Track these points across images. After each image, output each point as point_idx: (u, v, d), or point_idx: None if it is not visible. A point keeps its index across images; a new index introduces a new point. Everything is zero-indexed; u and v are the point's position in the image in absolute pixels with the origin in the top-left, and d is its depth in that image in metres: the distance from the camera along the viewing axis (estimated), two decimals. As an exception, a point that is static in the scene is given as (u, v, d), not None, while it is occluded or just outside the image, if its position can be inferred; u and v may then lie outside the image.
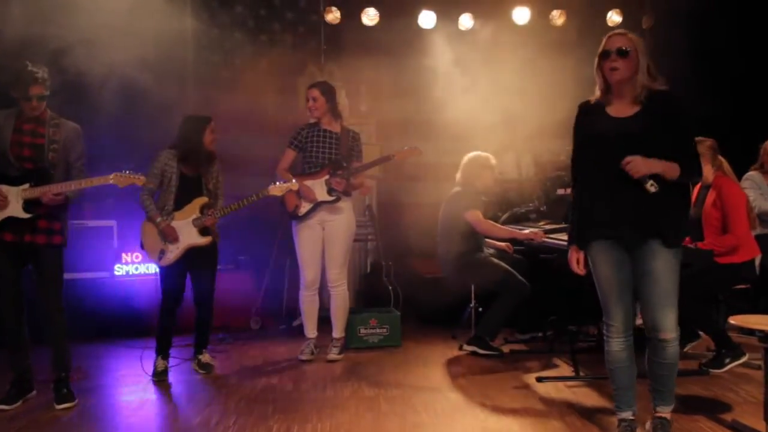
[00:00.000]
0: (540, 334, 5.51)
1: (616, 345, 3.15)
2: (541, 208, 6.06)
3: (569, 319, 5.06)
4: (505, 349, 5.23)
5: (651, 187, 2.93)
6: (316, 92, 4.93)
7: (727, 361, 4.41)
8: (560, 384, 4.31)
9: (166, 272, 4.62)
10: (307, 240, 4.97)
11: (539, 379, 4.39)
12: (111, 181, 3.95)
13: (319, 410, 3.87)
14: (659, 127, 2.99)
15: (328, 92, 4.95)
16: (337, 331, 5.11)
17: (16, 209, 3.88)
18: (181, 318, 4.73)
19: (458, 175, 5.41)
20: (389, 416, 3.77)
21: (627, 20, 7.26)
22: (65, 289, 4.13)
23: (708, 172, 4.60)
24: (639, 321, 3.60)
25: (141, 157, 4.69)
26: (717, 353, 4.48)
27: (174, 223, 4.57)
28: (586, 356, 4.70)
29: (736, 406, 3.82)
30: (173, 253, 4.57)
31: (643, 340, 3.15)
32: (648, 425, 3.27)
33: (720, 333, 4.48)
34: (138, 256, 6.02)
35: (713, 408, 3.78)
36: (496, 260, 5.27)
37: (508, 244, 5.51)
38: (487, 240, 5.43)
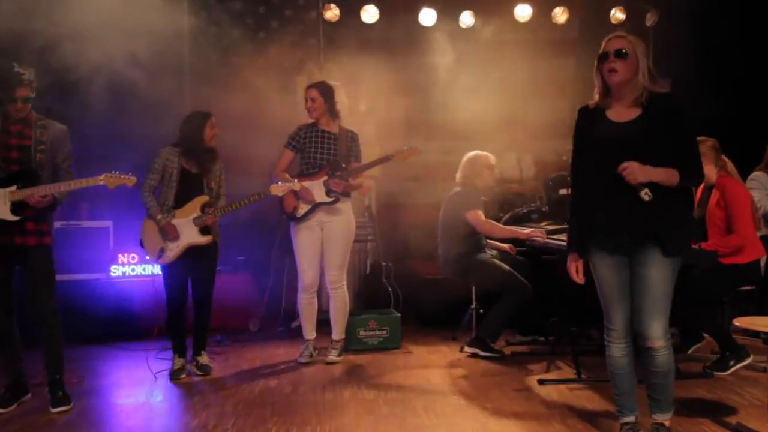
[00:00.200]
0: (541, 337, 5.46)
1: (617, 350, 3.13)
2: (543, 209, 6.03)
3: (571, 321, 5.02)
4: (507, 351, 5.20)
5: (645, 195, 2.90)
6: (314, 92, 4.89)
7: (732, 363, 4.38)
8: (562, 386, 4.28)
9: (168, 271, 4.61)
10: (305, 241, 4.93)
11: (541, 382, 4.36)
12: (101, 182, 3.90)
13: (318, 413, 3.83)
14: (660, 131, 2.96)
15: (327, 93, 4.92)
16: (337, 333, 5.07)
17: (3, 211, 3.83)
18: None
19: (458, 175, 5.37)
20: (389, 419, 3.74)
21: (630, 18, 7.21)
22: (61, 290, 4.10)
23: (711, 172, 4.56)
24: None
25: (137, 156, 4.65)
26: (721, 356, 4.45)
27: (174, 221, 4.54)
28: (588, 359, 4.66)
29: (741, 409, 3.78)
30: (173, 251, 4.54)
31: None
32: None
33: (724, 335, 4.44)
34: (134, 257, 5.98)
35: (717, 411, 3.75)
36: (497, 261, 5.24)
37: (510, 245, 5.47)
38: (489, 241, 5.39)
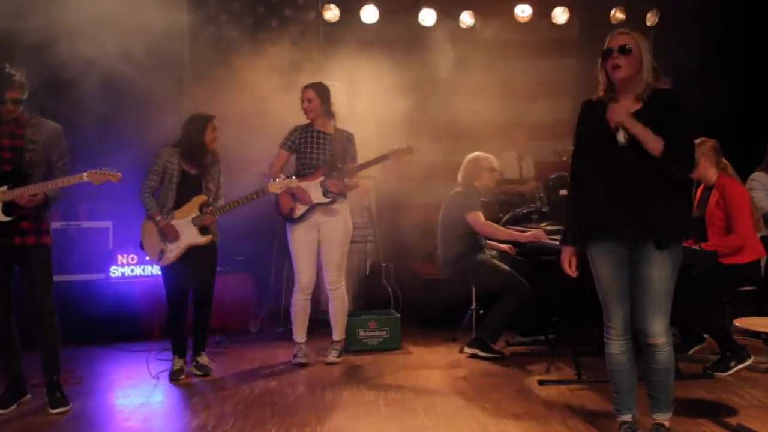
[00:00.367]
0: (542, 337, 5.45)
1: (616, 348, 3.13)
2: (543, 209, 6.02)
3: (571, 322, 5.01)
4: (507, 351, 5.20)
5: (622, 137, 2.94)
6: (311, 93, 4.88)
7: (732, 364, 4.37)
8: (562, 387, 4.27)
9: (168, 272, 4.61)
10: (302, 242, 4.91)
11: (541, 382, 4.35)
12: (86, 179, 3.86)
13: (317, 414, 3.83)
14: (660, 124, 2.96)
15: (323, 93, 4.90)
16: (337, 334, 5.06)
17: None
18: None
19: (459, 176, 5.37)
20: (389, 419, 3.73)
21: (631, 17, 7.21)
22: (60, 290, 4.12)
23: (711, 172, 4.56)
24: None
25: (134, 156, 4.63)
26: (722, 356, 4.44)
27: (173, 222, 4.54)
28: (588, 359, 4.65)
29: (741, 409, 3.78)
30: (173, 252, 4.54)
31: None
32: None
33: (725, 336, 4.44)
34: (134, 257, 5.97)
35: (718, 411, 3.74)
36: (497, 262, 5.24)
37: (510, 246, 5.47)
38: (488, 242, 5.38)
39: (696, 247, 4.41)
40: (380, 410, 3.89)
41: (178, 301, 4.63)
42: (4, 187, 3.83)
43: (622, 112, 2.96)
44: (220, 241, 4.78)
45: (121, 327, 5.76)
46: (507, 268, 5.15)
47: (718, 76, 5.99)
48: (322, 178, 4.84)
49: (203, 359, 4.77)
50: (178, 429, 3.73)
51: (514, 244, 5.40)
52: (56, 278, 4.07)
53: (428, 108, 6.58)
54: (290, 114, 4.99)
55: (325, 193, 4.85)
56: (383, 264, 6.37)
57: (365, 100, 6.13)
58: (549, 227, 5.27)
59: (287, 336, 5.87)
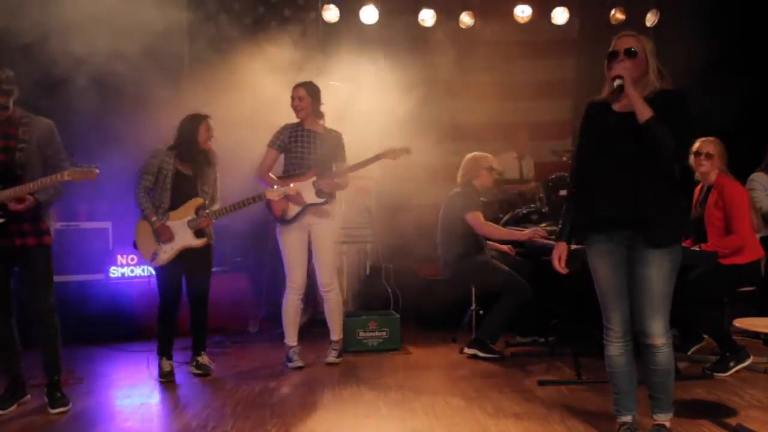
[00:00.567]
0: (541, 338, 5.45)
1: (615, 349, 3.13)
2: (543, 210, 6.02)
3: (571, 322, 5.01)
4: (506, 352, 5.19)
5: (617, 81, 2.94)
6: (302, 92, 4.86)
7: (732, 364, 4.37)
8: (562, 387, 4.27)
9: (161, 272, 4.59)
10: (293, 243, 4.87)
11: (541, 383, 4.35)
12: (66, 178, 3.81)
13: (318, 414, 3.83)
14: (661, 118, 2.94)
15: (314, 92, 4.89)
16: (335, 334, 5.06)
17: None
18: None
19: (458, 175, 5.37)
20: (389, 420, 3.73)
21: (631, 18, 7.21)
22: (59, 291, 4.11)
23: (714, 172, 4.55)
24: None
25: (134, 156, 4.63)
26: (721, 356, 4.44)
27: (169, 223, 4.52)
28: (588, 360, 4.65)
29: (741, 410, 3.77)
30: (167, 253, 4.52)
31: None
32: None
33: (724, 336, 4.43)
34: (134, 258, 5.97)
35: (717, 412, 3.74)
36: (497, 262, 5.23)
37: (510, 246, 5.47)
38: (488, 242, 5.38)
39: (695, 247, 4.42)
40: (380, 410, 3.89)
41: (169, 302, 4.59)
42: None
43: (626, 71, 2.95)
44: (220, 241, 4.77)
45: (120, 327, 5.77)
46: (507, 268, 5.14)
47: (718, 76, 6.00)
48: (314, 179, 4.81)
49: (203, 359, 4.76)
50: (178, 429, 3.72)
51: (514, 244, 5.40)
52: (56, 279, 4.06)
53: (428, 108, 6.57)
54: (290, 114, 4.98)
55: (318, 194, 4.83)
56: (383, 264, 6.37)
57: (365, 100, 6.13)
58: (548, 227, 5.27)
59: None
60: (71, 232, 5.76)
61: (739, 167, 4.78)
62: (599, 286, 3.14)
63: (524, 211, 6.02)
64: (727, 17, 6.28)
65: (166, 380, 4.54)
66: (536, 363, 4.89)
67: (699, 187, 4.73)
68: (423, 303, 6.30)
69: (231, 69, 6.01)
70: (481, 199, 5.34)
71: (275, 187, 4.61)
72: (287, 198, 4.75)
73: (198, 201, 4.58)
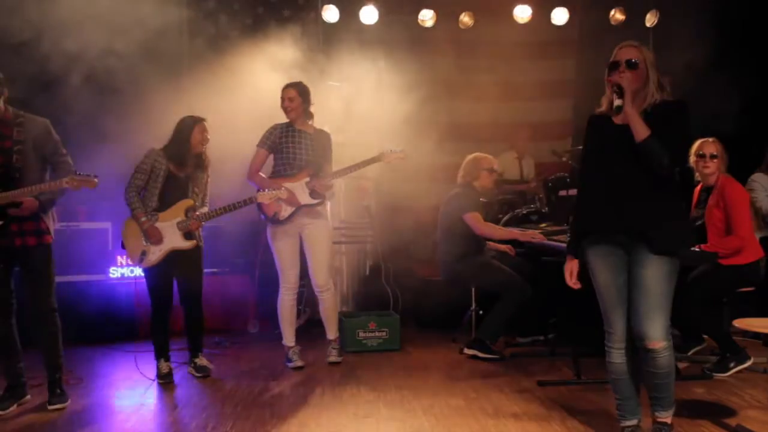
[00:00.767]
0: (541, 338, 5.45)
1: (618, 356, 3.12)
2: (543, 210, 6.02)
3: (571, 323, 5.00)
4: (506, 352, 5.19)
5: (617, 101, 2.94)
6: (293, 92, 4.84)
7: (732, 365, 4.37)
8: (562, 388, 4.27)
9: (151, 274, 4.55)
10: (286, 243, 4.85)
11: (540, 383, 4.35)
12: (66, 185, 3.83)
13: (317, 415, 3.82)
14: (659, 131, 2.94)
15: (304, 93, 4.88)
16: (332, 333, 5.05)
17: None
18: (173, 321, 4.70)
19: (458, 176, 5.37)
20: (389, 421, 3.73)
21: (630, 18, 7.21)
22: (59, 291, 4.10)
23: (716, 173, 4.55)
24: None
25: (134, 156, 4.61)
26: (721, 357, 4.44)
27: (158, 224, 4.50)
28: (587, 360, 4.64)
29: (741, 410, 3.78)
30: (155, 255, 4.50)
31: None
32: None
33: (724, 336, 4.43)
34: (134, 258, 5.95)
35: (717, 412, 3.74)
36: (496, 262, 5.23)
37: (509, 246, 5.46)
38: (488, 242, 5.38)
39: (695, 248, 4.41)
40: (380, 411, 3.89)
41: (161, 304, 4.57)
42: None
43: (628, 81, 2.95)
44: (220, 242, 4.76)
45: (120, 327, 5.76)
46: (506, 268, 5.14)
47: (717, 77, 5.99)
48: (307, 179, 4.80)
49: (201, 360, 4.75)
50: (178, 429, 3.72)
51: (514, 244, 5.40)
52: (56, 279, 4.07)
53: (428, 108, 6.56)
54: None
55: (312, 194, 4.82)
56: (383, 264, 6.36)
57: (364, 100, 6.13)
58: (548, 228, 5.28)
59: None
60: (71, 233, 5.75)
61: (739, 167, 4.78)
62: (600, 291, 3.13)
63: (524, 212, 6.02)
64: (726, 18, 6.28)
65: (165, 381, 4.53)
66: (536, 363, 4.89)
67: (699, 187, 4.73)
68: (423, 303, 6.30)
69: (230, 69, 6.01)
70: (481, 199, 5.34)
71: (266, 190, 4.59)
72: (282, 199, 4.74)
73: (188, 202, 4.56)
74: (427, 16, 7.19)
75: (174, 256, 4.53)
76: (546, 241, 4.85)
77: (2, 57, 3.90)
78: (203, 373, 4.69)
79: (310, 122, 4.94)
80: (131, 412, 3.98)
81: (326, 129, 5.03)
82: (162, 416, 4.01)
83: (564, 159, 6.49)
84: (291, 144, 4.84)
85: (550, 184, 6.30)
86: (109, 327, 5.74)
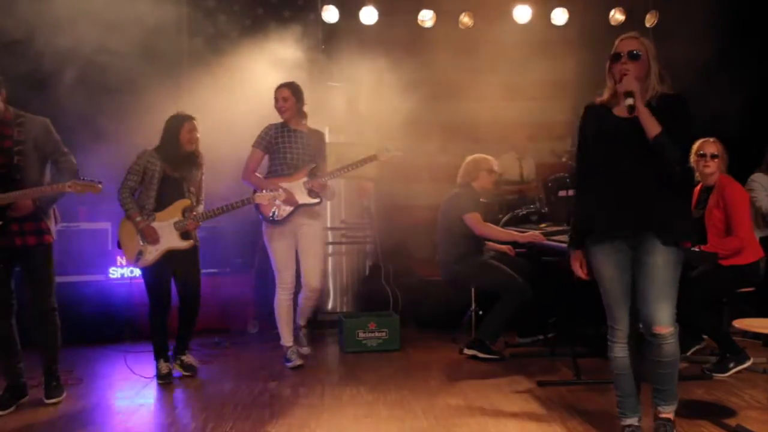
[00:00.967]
0: (541, 338, 5.45)
1: (621, 351, 3.12)
2: (543, 210, 6.02)
3: (571, 323, 5.01)
4: (506, 352, 5.18)
5: (628, 100, 2.91)
6: (286, 92, 4.85)
7: (732, 365, 4.37)
8: (562, 388, 4.26)
9: (148, 274, 4.55)
10: (282, 243, 4.84)
11: (540, 383, 4.35)
12: (68, 189, 3.83)
13: (317, 415, 3.82)
14: (662, 126, 2.94)
15: (298, 92, 4.88)
16: (304, 320, 5.07)
17: None
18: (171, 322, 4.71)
19: (458, 176, 5.37)
20: (389, 421, 3.73)
21: (630, 18, 7.21)
22: (58, 291, 4.11)
23: (717, 173, 4.55)
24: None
25: (133, 156, 4.61)
26: (721, 357, 4.44)
27: (154, 224, 4.50)
28: (587, 360, 4.65)
29: (741, 410, 3.77)
30: (152, 254, 4.49)
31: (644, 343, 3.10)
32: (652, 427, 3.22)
33: (724, 337, 4.43)
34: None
35: (717, 413, 3.74)
36: (496, 263, 5.23)
37: (509, 246, 5.46)
38: (488, 243, 5.38)
39: (695, 248, 4.41)
40: (380, 411, 3.88)
41: (159, 304, 4.56)
42: None
43: (632, 82, 2.94)
44: (219, 241, 4.76)
45: (120, 328, 5.76)
46: (506, 268, 5.14)
47: (717, 77, 6.00)
48: (305, 179, 4.80)
49: (188, 358, 4.75)
50: (177, 430, 3.72)
51: (514, 244, 5.40)
52: (56, 279, 4.07)
53: (427, 109, 6.57)
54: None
55: (311, 194, 4.81)
56: (382, 265, 6.36)
57: (364, 101, 6.14)
58: (548, 228, 5.27)
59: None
60: (71, 233, 5.75)
61: (739, 167, 4.77)
62: (604, 286, 3.12)
63: (524, 212, 6.02)
64: (726, 18, 6.28)
65: (165, 382, 4.53)
66: (536, 363, 4.89)
67: (699, 187, 4.73)
68: (423, 303, 6.29)
69: (230, 69, 6.01)
70: (481, 200, 5.33)
71: (264, 191, 4.59)
72: (279, 199, 4.74)
73: (185, 202, 4.56)
74: (426, 17, 7.19)
75: (171, 255, 4.53)
76: (546, 242, 4.85)
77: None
78: (191, 372, 4.69)
79: (304, 122, 4.94)
80: (131, 412, 3.98)
81: (326, 129, 5.04)
82: (161, 416, 4.01)
83: (564, 159, 6.48)
84: (287, 144, 4.84)
85: (549, 185, 6.30)
86: (109, 327, 5.74)
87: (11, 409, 3.96)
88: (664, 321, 2.97)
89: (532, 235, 5.00)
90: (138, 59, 5.49)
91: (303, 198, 4.80)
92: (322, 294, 5.27)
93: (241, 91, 5.74)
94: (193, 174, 4.64)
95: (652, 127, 2.91)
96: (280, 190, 4.64)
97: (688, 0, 6.22)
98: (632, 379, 3.15)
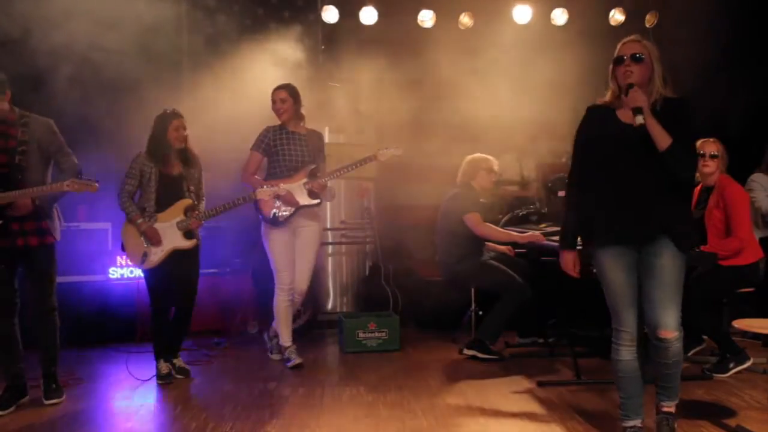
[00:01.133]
0: (540, 338, 5.45)
1: (628, 353, 3.10)
2: (542, 210, 6.02)
3: (570, 323, 5.01)
4: (506, 353, 5.19)
5: (639, 118, 2.90)
6: (284, 94, 4.85)
7: (732, 365, 4.37)
8: (561, 388, 4.26)
9: (152, 275, 4.54)
10: (281, 244, 4.85)
11: (540, 384, 4.35)
12: (66, 188, 3.82)
13: (317, 415, 3.82)
14: (667, 130, 2.94)
15: (295, 94, 4.89)
16: (289, 340, 5.01)
17: None
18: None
19: (458, 176, 5.37)
20: (388, 421, 3.72)
21: (630, 19, 7.21)
22: (59, 291, 4.11)
23: (716, 173, 4.55)
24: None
25: (133, 156, 4.61)
26: (721, 358, 4.44)
27: (157, 225, 4.50)
28: (587, 361, 4.66)
29: (741, 411, 3.77)
30: (157, 255, 4.49)
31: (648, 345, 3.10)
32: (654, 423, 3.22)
33: (724, 337, 4.43)
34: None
35: (717, 413, 3.74)
36: (496, 263, 5.23)
37: (509, 246, 5.46)
38: (487, 243, 5.37)
39: (695, 249, 4.41)
40: (379, 411, 3.88)
41: (163, 304, 4.57)
42: None
43: (640, 98, 2.93)
44: (218, 242, 4.76)
45: (120, 328, 5.75)
46: (506, 269, 5.14)
47: (717, 77, 6.00)
48: (305, 180, 4.81)
49: (180, 362, 4.75)
50: (177, 430, 3.72)
51: (513, 245, 5.40)
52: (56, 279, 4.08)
53: (427, 109, 6.58)
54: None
55: (311, 195, 4.81)
56: (382, 265, 6.36)
57: (364, 101, 6.14)
58: (548, 228, 5.27)
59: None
60: (71, 233, 5.74)
61: (739, 167, 4.77)
62: (612, 290, 3.09)
63: (523, 212, 6.02)
64: (725, 19, 6.28)
65: (165, 382, 4.53)
66: (535, 364, 4.89)
67: (698, 187, 4.73)
68: (422, 303, 6.29)
69: (230, 69, 6.02)
70: (481, 200, 5.33)
71: (265, 187, 4.60)
72: (280, 200, 4.74)
73: (186, 202, 4.56)
74: (426, 17, 7.19)
75: (174, 256, 4.53)
76: (545, 242, 4.85)
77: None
78: (185, 375, 4.69)
79: (302, 123, 4.95)
80: (131, 413, 3.98)
81: (326, 129, 5.04)
82: (162, 416, 4.01)
83: (564, 159, 6.49)
84: (285, 146, 4.84)
85: (549, 185, 6.30)
86: (109, 327, 5.74)
87: (11, 409, 3.96)
88: (670, 326, 2.97)
89: (532, 235, 5.00)
90: (137, 59, 5.49)
91: (303, 199, 4.80)
92: (322, 294, 5.25)
93: (242, 91, 5.74)
94: (191, 172, 4.64)
95: (663, 140, 2.90)
96: (281, 185, 4.64)
97: (688, 0, 6.21)
98: (639, 382, 3.13)
